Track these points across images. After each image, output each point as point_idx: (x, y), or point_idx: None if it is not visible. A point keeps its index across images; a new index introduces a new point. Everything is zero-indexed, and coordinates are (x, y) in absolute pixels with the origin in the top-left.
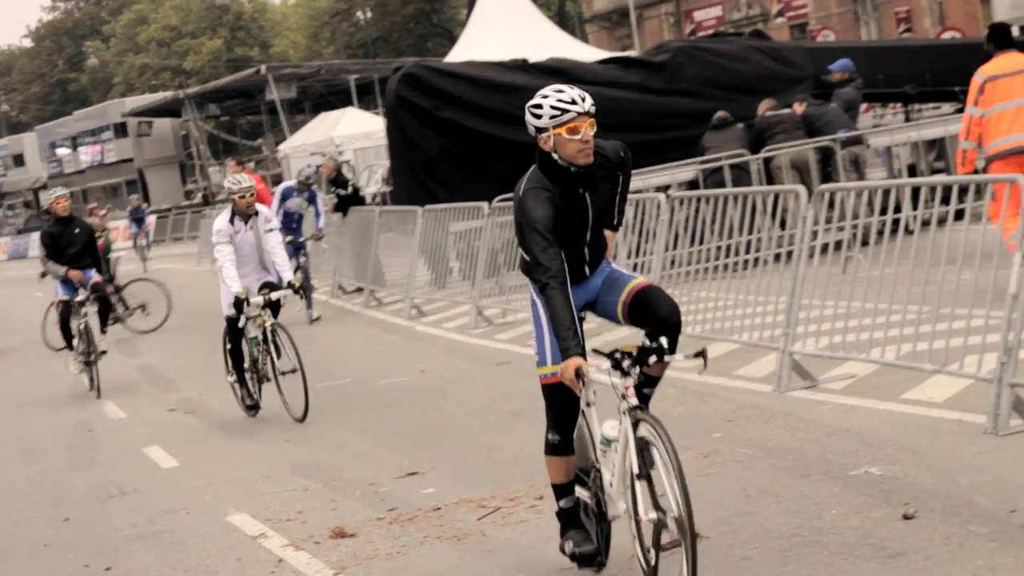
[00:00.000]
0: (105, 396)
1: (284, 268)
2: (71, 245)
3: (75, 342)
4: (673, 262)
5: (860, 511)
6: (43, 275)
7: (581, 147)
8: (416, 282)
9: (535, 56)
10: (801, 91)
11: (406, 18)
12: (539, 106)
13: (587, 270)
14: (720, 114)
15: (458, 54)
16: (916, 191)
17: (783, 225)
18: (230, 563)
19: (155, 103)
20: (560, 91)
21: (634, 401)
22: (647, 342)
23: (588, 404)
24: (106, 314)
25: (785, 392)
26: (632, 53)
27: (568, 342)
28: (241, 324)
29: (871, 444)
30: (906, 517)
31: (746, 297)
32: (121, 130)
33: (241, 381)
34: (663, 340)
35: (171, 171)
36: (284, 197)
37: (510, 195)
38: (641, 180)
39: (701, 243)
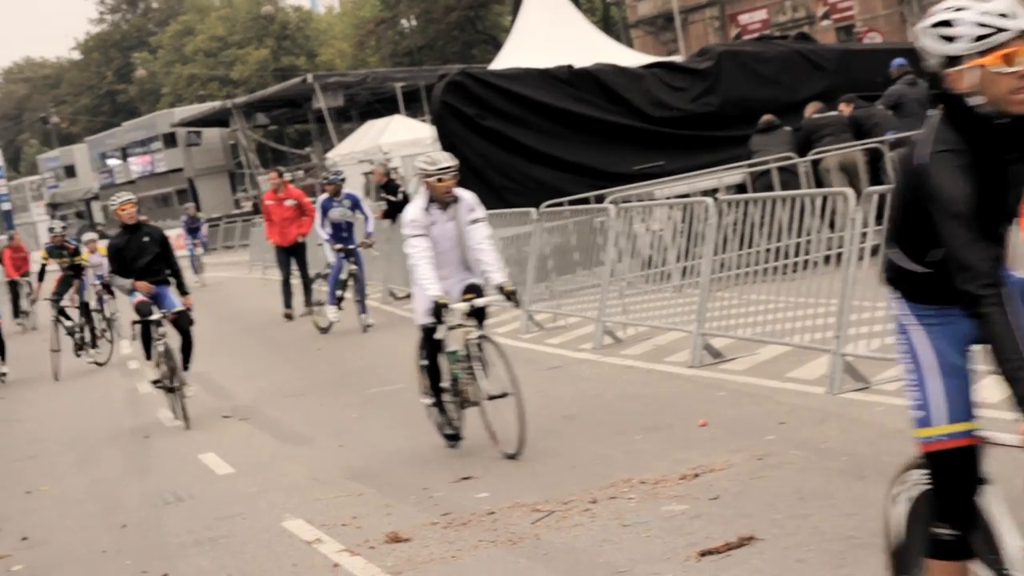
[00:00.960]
0: (159, 403)
1: (493, 267)
2: (141, 256)
3: (155, 358)
4: (722, 265)
5: None
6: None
7: (1018, 85)
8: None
9: (580, 62)
10: (845, 94)
11: (451, 25)
12: (949, 23)
13: None
14: (767, 117)
15: (503, 61)
16: None
17: (832, 226)
18: (286, 568)
19: (203, 113)
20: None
21: None
22: None
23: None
24: (189, 350)
25: (838, 394)
26: (677, 58)
27: None
28: (439, 335)
29: None
30: None
31: (797, 299)
32: (170, 140)
33: (439, 405)
34: None
35: (221, 180)
36: (324, 210)
37: (559, 200)
38: (688, 184)
39: (750, 246)
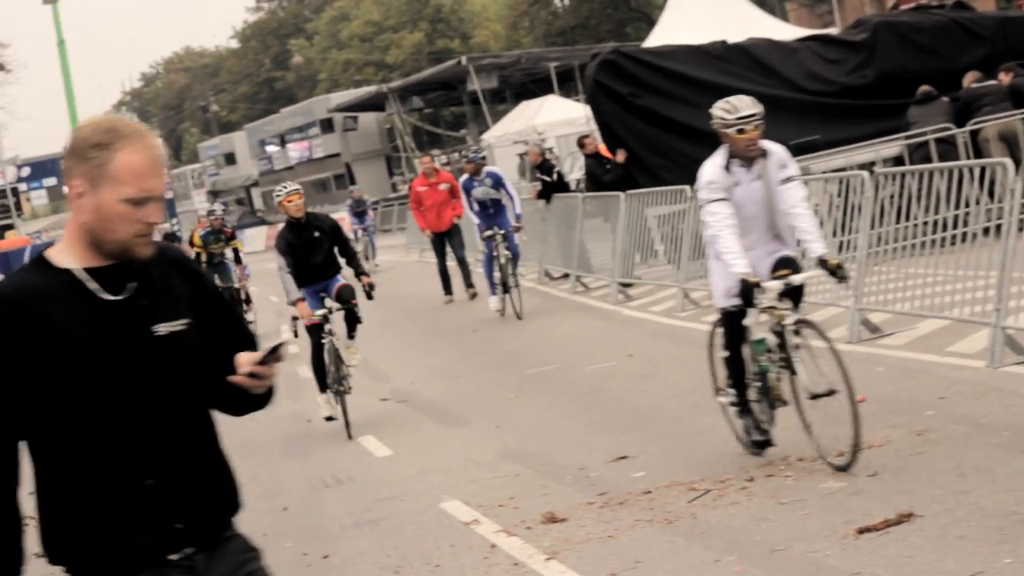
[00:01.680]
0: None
1: (811, 236)
2: (313, 254)
3: (329, 377)
4: (880, 239)
5: None
6: None
7: None
8: (621, 267)
9: (734, 37)
10: (1004, 62)
11: (604, 3)
12: None
13: None
14: (924, 88)
15: (657, 38)
16: None
17: (992, 197)
18: (444, 549)
19: (359, 98)
20: None
21: None
22: None
23: None
24: (354, 323)
25: (998, 368)
26: (833, 30)
27: None
28: (748, 321)
29: None
30: None
31: (956, 272)
32: (327, 126)
33: (743, 405)
34: None
35: (377, 164)
36: (467, 190)
37: None
38: (845, 158)
39: (908, 219)
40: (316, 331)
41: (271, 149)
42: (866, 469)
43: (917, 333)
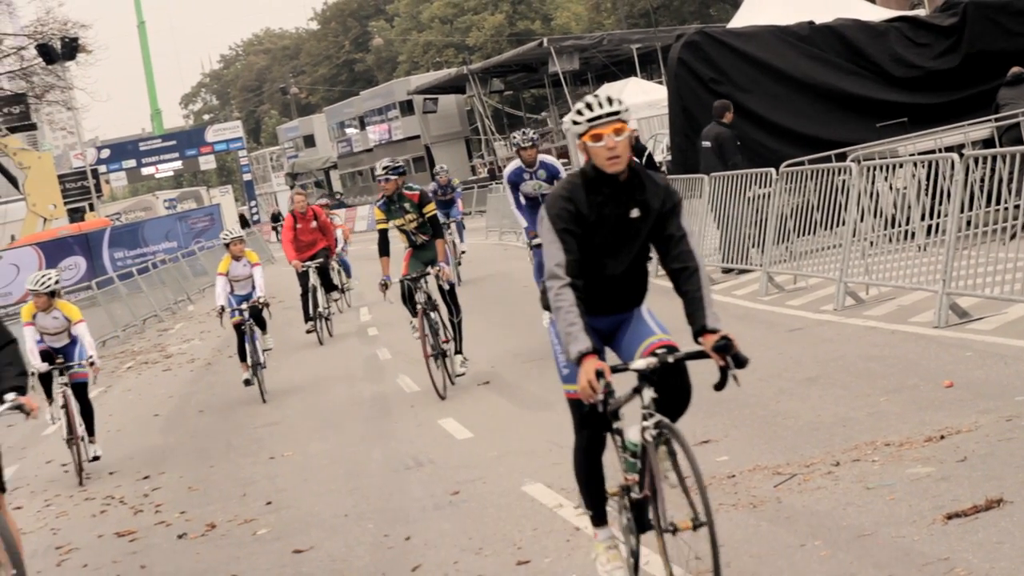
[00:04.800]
0: (399, 369)
1: None
2: (619, 250)
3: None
4: (969, 223)
5: None
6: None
7: None
8: (704, 250)
9: (821, 17)
10: None
11: None
12: None
13: None
14: (1015, 70)
15: (742, 19)
16: None
17: None
18: (526, 532)
19: (440, 80)
20: None
21: None
22: None
23: None
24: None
25: None
26: (920, 12)
27: None
28: None
29: None
30: None
31: None
32: (407, 108)
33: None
34: None
35: (457, 146)
36: (514, 183)
37: (799, 159)
38: (934, 140)
39: (998, 202)
40: (599, 418)
41: (350, 131)
42: (955, 455)
43: (1007, 318)
